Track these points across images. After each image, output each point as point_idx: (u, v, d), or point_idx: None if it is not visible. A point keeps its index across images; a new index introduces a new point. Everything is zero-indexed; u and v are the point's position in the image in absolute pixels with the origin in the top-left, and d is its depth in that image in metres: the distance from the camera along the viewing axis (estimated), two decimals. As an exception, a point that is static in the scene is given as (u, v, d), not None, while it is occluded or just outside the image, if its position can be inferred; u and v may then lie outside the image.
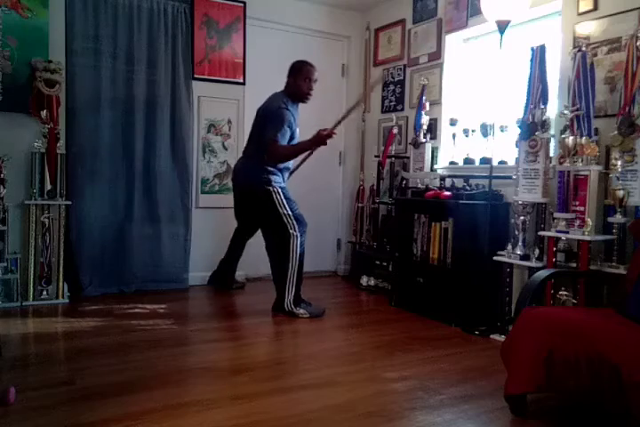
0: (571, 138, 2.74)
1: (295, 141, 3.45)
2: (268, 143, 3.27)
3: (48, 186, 3.51)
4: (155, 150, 3.99)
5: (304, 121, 4.66)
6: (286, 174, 3.52)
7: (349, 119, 4.92)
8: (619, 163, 2.60)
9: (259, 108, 3.55)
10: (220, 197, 4.28)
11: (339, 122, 3.54)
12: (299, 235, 3.30)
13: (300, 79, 3.45)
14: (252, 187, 3.39)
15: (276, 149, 3.28)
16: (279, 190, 3.33)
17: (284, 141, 3.30)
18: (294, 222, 3.30)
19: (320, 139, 3.35)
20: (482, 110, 3.73)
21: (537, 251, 2.94)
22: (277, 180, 3.37)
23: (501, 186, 3.35)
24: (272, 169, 3.35)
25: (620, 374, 1.67)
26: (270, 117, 3.34)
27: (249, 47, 4.36)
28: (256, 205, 3.40)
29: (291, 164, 3.54)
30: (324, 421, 1.97)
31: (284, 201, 3.32)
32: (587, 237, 2.62)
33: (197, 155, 4.23)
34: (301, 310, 3.34)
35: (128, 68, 3.88)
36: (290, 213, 3.31)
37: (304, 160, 3.77)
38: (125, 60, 3.87)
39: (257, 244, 4.04)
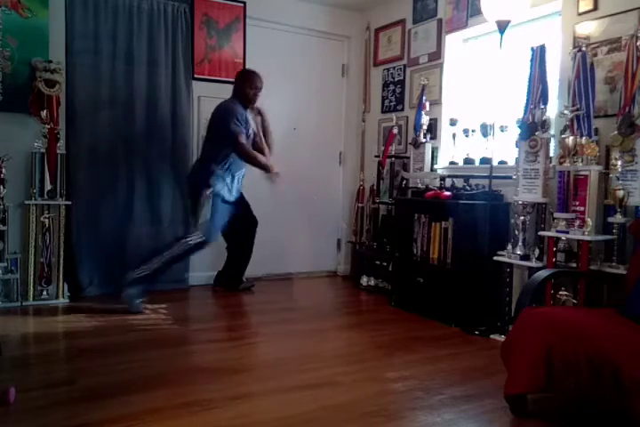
0: (571, 138, 2.74)
1: (250, 139, 3.75)
2: (233, 138, 3.54)
3: (48, 186, 3.51)
4: (155, 150, 3.99)
5: (304, 121, 4.68)
6: (236, 179, 3.73)
7: (348, 120, 4.95)
8: (619, 163, 2.60)
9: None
10: (219, 197, 4.28)
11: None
12: (202, 241, 3.46)
13: (245, 85, 3.73)
14: (197, 185, 3.63)
15: (242, 148, 3.58)
16: (211, 197, 3.55)
17: (244, 136, 3.61)
18: (208, 230, 3.49)
19: (268, 170, 3.73)
20: (482, 110, 3.73)
21: (537, 251, 2.94)
22: (218, 186, 3.58)
23: (501, 186, 3.35)
24: (218, 172, 3.59)
25: (619, 374, 1.67)
26: (221, 115, 3.63)
27: (249, 47, 4.36)
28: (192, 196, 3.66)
29: (242, 171, 3.77)
30: (324, 421, 1.97)
31: (211, 207, 3.53)
32: (587, 237, 2.62)
33: (197, 155, 4.22)
34: (136, 303, 3.36)
35: (128, 68, 3.88)
36: (207, 218, 3.51)
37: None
38: (125, 60, 3.87)
39: (256, 244, 4.05)
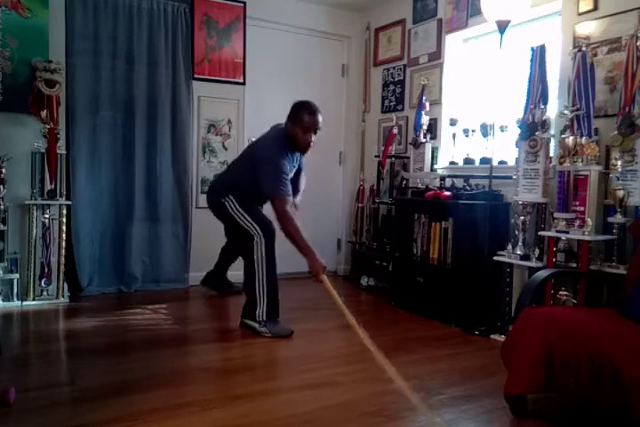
0: (571, 138, 2.74)
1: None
2: (274, 199, 2.95)
3: (48, 186, 3.51)
4: (155, 150, 3.99)
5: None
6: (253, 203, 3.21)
7: (348, 120, 4.95)
8: (619, 163, 2.60)
9: (256, 140, 3.28)
10: (220, 197, 4.28)
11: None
12: (262, 237, 2.99)
13: (298, 127, 3.01)
14: (213, 202, 3.25)
15: (286, 214, 2.92)
16: (232, 200, 3.08)
17: (288, 191, 2.97)
18: (254, 226, 3.02)
19: (317, 266, 2.94)
20: (482, 110, 3.73)
21: (537, 251, 2.94)
22: (235, 198, 3.11)
23: (501, 186, 3.35)
24: (236, 194, 3.11)
25: (619, 374, 1.67)
26: (266, 166, 2.97)
27: (249, 47, 4.36)
28: (218, 213, 3.25)
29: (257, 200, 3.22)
30: (324, 421, 1.97)
31: (239, 209, 3.07)
32: (587, 237, 2.62)
33: (197, 155, 4.23)
34: (263, 329, 2.98)
35: (128, 68, 3.88)
36: (246, 217, 3.05)
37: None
38: (125, 60, 3.87)
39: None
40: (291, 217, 2.93)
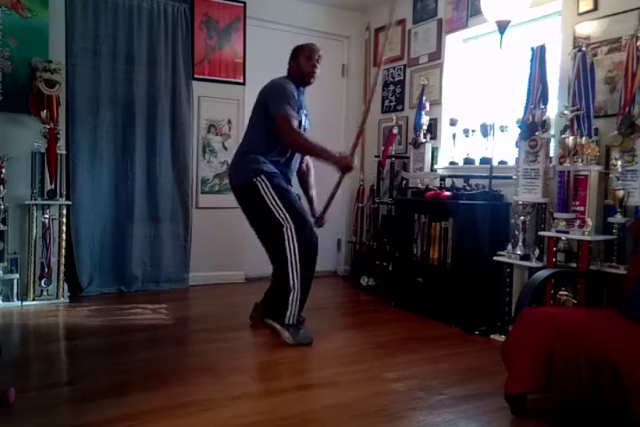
0: (571, 138, 2.74)
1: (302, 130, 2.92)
2: (277, 118, 2.74)
3: (48, 186, 3.51)
4: (155, 150, 3.99)
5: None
6: (285, 170, 2.96)
7: (348, 120, 4.95)
8: (619, 163, 2.60)
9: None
10: (220, 197, 4.28)
11: (354, 147, 3.07)
12: (294, 231, 2.72)
13: (301, 56, 3.03)
14: (236, 179, 2.93)
15: (290, 128, 2.72)
16: (265, 180, 2.78)
17: (295, 118, 2.78)
18: (287, 217, 2.73)
19: (345, 161, 2.83)
20: (482, 110, 3.73)
21: (537, 251, 2.94)
22: (266, 168, 2.82)
23: (501, 186, 3.35)
24: (261, 158, 2.84)
25: (619, 374, 1.67)
26: (269, 93, 2.86)
27: (249, 47, 4.36)
28: (246, 202, 2.93)
29: (291, 162, 3.00)
30: (324, 421, 1.97)
31: (272, 191, 2.77)
32: (587, 238, 2.62)
33: (197, 155, 4.23)
34: (287, 334, 2.79)
35: (128, 69, 3.88)
36: (280, 205, 2.74)
37: (336, 188, 3.19)
38: (125, 61, 3.87)
39: (257, 244, 4.04)
40: (297, 130, 2.76)
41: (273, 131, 2.81)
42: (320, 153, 2.82)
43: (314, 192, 3.29)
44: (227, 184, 4.25)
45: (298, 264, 2.76)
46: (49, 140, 3.45)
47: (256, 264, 4.20)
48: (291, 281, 2.76)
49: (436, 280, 3.44)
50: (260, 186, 2.77)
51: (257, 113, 2.94)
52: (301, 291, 2.78)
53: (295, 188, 3.08)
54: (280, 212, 2.73)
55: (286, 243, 2.73)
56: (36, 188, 3.50)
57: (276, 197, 2.76)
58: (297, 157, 3.04)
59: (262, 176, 2.78)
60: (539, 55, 2.93)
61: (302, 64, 3.00)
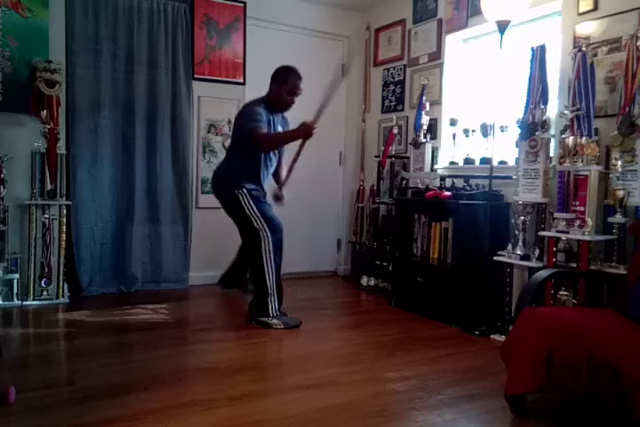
0: (571, 138, 2.74)
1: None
2: (251, 135, 3.08)
3: (48, 186, 3.51)
4: (155, 150, 3.99)
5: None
6: (262, 178, 3.30)
7: (349, 119, 4.95)
8: (619, 163, 2.60)
9: None
10: (220, 197, 4.28)
11: (319, 111, 3.16)
12: (269, 237, 3.12)
13: (283, 89, 3.21)
14: (222, 191, 3.28)
15: (262, 137, 3.10)
16: (246, 193, 3.16)
17: (264, 128, 3.13)
18: (264, 225, 3.13)
19: (305, 128, 3.08)
20: (482, 110, 3.73)
21: (537, 251, 2.94)
22: (245, 183, 3.19)
23: (501, 186, 3.35)
24: (243, 172, 3.21)
25: (619, 374, 1.67)
26: (239, 117, 3.26)
27: (249, 47, 4.36)
28: (230, 209, 3.28)
29: (266, 171, 3.31)
30: (324, 421, 1.97)
31: (252, 203, 3.16)
32: (587, 237, 2.62)
33: (197, 155, 4.23)
34: (274, 320, 3.14)
35: (128, 69, 3.88)
36: (258, 215, 3.14)
37: (297, 155, 3.36)
38: (125, 61, 3.87)
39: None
40: (265, 133, 3.12)
41: (249, 150, 3.18)
42: (289, 137, 3.21)
43: (283, 172, 3.48)
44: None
45: (272, 261, 3.15)
46: (49, 141, 3.45)
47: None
48: (267, 279, 3.15)
49: (436, 280, 3.44)
50: (240, 198, 3.17)
51: (234, 134, 3.35)
52: (276, 285, 3.17)
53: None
54: (258, 220, 3.15)
55: (262, 244, 3.13)
56: (36, 188, 3.50)
57: (254, 207, 3.17)
58: (269, 170, 3.37)
59: (244, 190, 3.18)
60: (539, 55, 2.93)
61: (282, 95, 3.24)
